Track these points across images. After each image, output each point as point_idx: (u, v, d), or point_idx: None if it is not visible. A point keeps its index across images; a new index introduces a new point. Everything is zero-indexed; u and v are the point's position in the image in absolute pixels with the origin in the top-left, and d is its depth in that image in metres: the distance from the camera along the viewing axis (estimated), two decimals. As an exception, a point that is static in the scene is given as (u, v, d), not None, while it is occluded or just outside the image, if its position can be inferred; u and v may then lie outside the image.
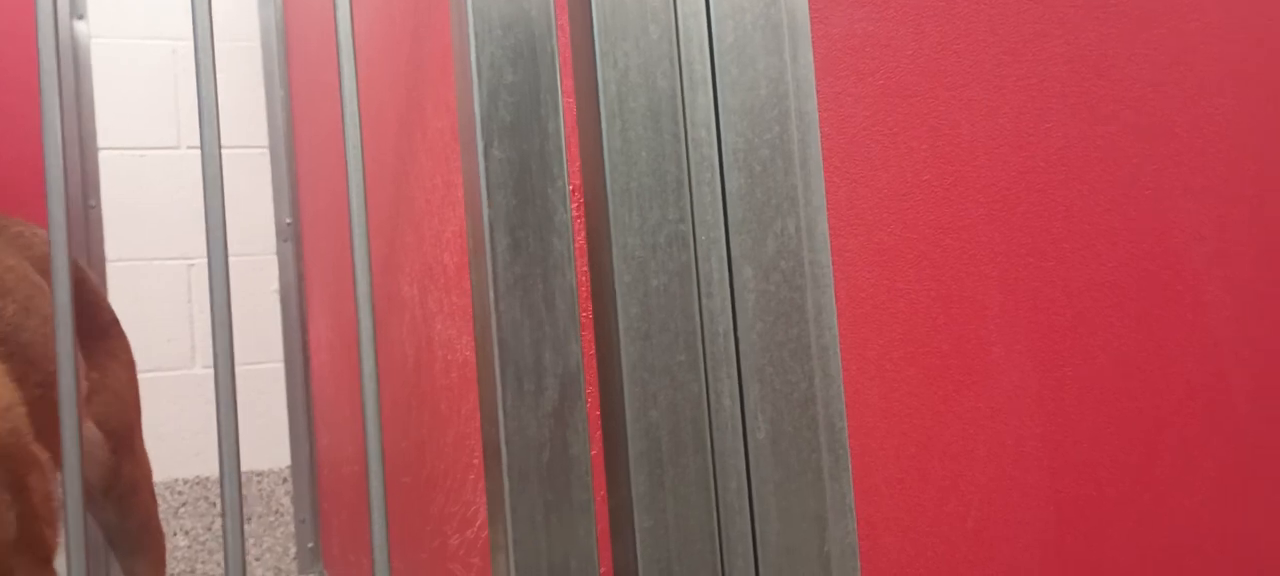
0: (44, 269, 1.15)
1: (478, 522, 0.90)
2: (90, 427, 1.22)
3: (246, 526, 2.32)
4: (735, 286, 0.45)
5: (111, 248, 2.14)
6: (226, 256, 0.44)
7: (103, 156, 2.28)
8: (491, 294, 0.44)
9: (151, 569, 1.40)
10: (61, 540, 0.90)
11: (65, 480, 0.40)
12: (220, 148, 0.41)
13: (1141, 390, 0.59)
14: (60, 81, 0.37)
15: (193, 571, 2.28)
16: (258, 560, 2.35)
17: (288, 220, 2.27)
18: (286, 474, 2.34)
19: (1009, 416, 0.55)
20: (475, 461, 0.90)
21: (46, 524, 0.86)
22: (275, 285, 2.28)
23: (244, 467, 2.29)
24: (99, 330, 1.30)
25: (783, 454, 0.46)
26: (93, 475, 1.25)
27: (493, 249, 0.44)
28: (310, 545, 2.33)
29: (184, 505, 2.24)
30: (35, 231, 1.26)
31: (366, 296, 0.43)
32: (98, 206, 2.24)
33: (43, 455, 0.90)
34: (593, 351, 0.46)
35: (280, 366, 2.29)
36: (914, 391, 0.52)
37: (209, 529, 2.27)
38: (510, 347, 0.44)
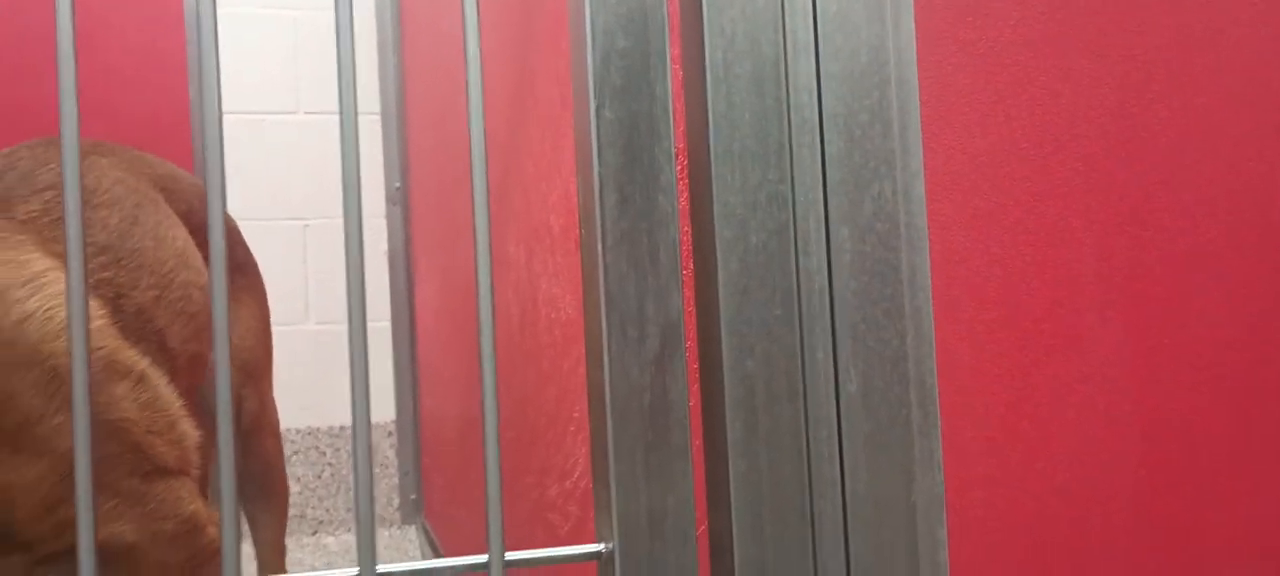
0: (163, 188, 1.21)
1: (576, 473, 0.94)
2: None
3: (352, 476, 2.42)
4: (832, 246, 0.47)
5: (231, 207, 2.26)
6: (361, 220, 0.48)
7: (224, 121, 2.39)
8: (599, 247, 0.47)
9: (274, 517, 1.45)
10: (185, 448, 0.94)
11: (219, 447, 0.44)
12: (356, 114, 0.45)
13: (1240, 361, 0.59)
14: (201, 50, 0.41)
15: (303, 515, 2.40)
16: (363, 509, 2.45)
17: (397, 184, 2.35)
18: (391, 427, 2.44)
19: (1101, 381, 0.55)
20: (576, 415, 0.94)
21: (154, 433, 0.89)
22: (384, 246, 2.37)
23: (350, 420, 2.39)
24: (234, 265, 1.35)
25: (873, 407, 0.48)
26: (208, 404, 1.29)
27: (602, 205, 0.47)
28: (413, 497, 2.42)
29: (295, 454, 2.35)
30: (158, 160, 1.31)
31: (486, 259, 0.46)
32: (221, 165, 2.35)
33: (140, 363, 0.93)
34: (693, 304, 0.49)
35: (387, 325, 2.39)
36: (1005, 353, 0.53)
37: (319, 476, 2.39)
38: (616, 298, 0.47)
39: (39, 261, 0.83)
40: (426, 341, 2.06)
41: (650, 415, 0.47)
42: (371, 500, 0.47)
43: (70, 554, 0.79)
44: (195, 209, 1.27)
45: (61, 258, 0.85)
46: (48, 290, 0.81)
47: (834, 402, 0.48)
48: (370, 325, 2.37)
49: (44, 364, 0.79)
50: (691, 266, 0.49)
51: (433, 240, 1.90)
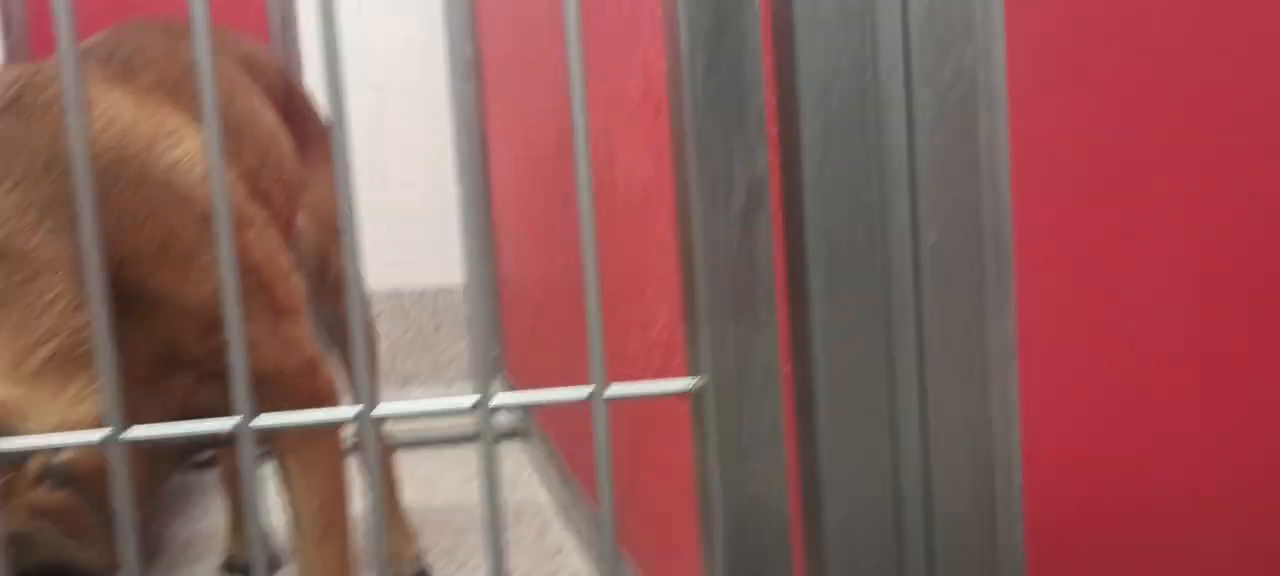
0: (246, 65, 1.27)
1: (656, 327, 0.99)
2: (301, 217, 1.36)
3: (436, 335, 2.53)
4: (912, 106, 0.50)
5: (309, 78, 2.31)
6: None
7: (305, -11, 2.41)
8: (690, 109, 0.50)
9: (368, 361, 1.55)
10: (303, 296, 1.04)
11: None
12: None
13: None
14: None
15: (391, 371, 2.53)
16: (450, 365, 2.58)
17: (468, 51, 2.37)
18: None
19: (1171, 234, 0.57)
20: (656, 274, 0.99)
21: (278, 277, 0.98)
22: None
23: (432, 283, 2.49)
24: (314, 136, 1.42)
25: (949, 259, 0.51)
26: (306, 262, 1.39)
27: (691, 69, 0.50)
28: (494, 354, 2.53)
29: (380, 314, 2.47)
30: (240, 36, 1.37)
31: (583, 127, 0.50)
32: (296, 39, 2.40)
33: (260, 215, 1.02)
34: (779, 163, 0.52)
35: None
36: (1080, 210, 0.55)
37: (403, 335, 2.50)
38: (705, 157, 0.50)
39: (174, 118, 0.91)
40: (502, 204, 2.12)
41: (737, 266, 0.51)
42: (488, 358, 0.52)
43: (221, 376, 0.88)
44: (273, 85, 1.33)
45: (188, 116, 0.93)
46: (187, 143, 0.89)
47: (911, 257, 0.51)
48: (445, 190, 2.43)
49: (195, 205, 0.88)
50: (776, 127, 0.53)
51: (508, 107, 1.93)
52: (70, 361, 0.79)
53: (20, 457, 0.74)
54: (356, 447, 1.61)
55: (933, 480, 0.54)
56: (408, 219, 2.43)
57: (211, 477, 1.92)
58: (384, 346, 2.50)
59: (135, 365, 0.85)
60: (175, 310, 0.88)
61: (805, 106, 0.50)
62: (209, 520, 1.88)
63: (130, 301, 0.86)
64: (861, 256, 0.51)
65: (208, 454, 1.69)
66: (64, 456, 0.77)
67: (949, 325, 0.52)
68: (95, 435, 0.48)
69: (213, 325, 0.88)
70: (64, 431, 0.78)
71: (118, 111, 0.89)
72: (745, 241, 0.51)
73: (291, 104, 1.39)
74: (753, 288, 0.51)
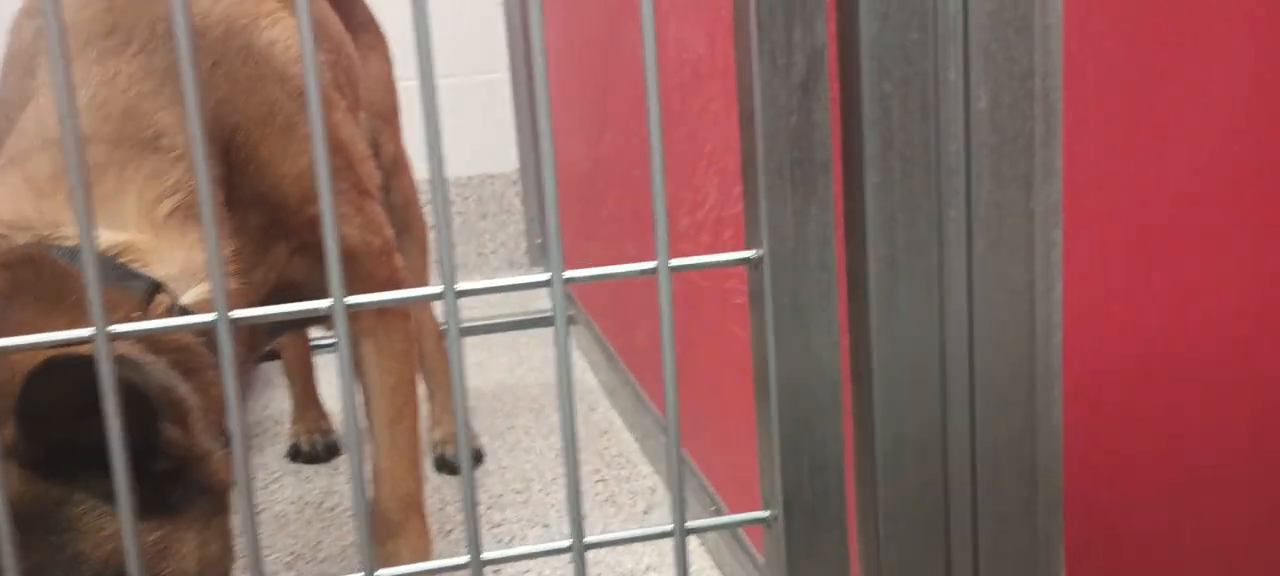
0: None
1: (708, 205, 1.01)
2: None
3: (482, 222, 2.57)
4: (967, -30, 0.51)
5: (352, -36, 2.29)
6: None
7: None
8: (749, -20, 0.51)
9: (417, 245, 1.62)
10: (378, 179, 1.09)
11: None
12: None
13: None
14: None
15: (439, 259, 2.57)
16: (494, 253, 2.62)
17: (508, -66, 2.34)
18: (515, 176, 2.56)
19: (1222, 92, 0.58)
20: (707, 149, 1.00)
21: (357, 159, 1.04)
22: (498, -1, 2.39)
23: (476, 171, 2.52)
24: (359, 25, 1.45)
25: (999, 122, 0.53)
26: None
27: (750, -60, 0.51)
28: (539, 241, 2.56)
29: (427, 203, 2.50)
30: None
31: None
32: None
33: (342, 100, 1.08)
34: (836, 31, 0.53)
35: (506, 76, 2.45)
36: (1130, 66, 0.56)
37: (448, 223, 2.54)
38: (766, 27, 0.52)
39: (270, 1, 0.95)
40: (550, 89, 2.12)
41: (795, 135, 0.53)
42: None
43: (314, 248, 0.94)
44: None
45: (281, 1, 0.98)
46: (283, 23, 0.94)
47: (963, 120, 0.53)
48: (490, 77, 2.44)
49: (293, 81, 0.93)
50: (833, -3, 0.54)
51: (549, -11, 1.92)
52: (194, 212, 0.86)
53: (148, 296, 0.80)
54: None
55: (976, 341, 0.57)
56: (450, 106, 2.45)
57: (274, 369, 2.00)
58: (430, 235, 2.55)
59: (248, 227, 0.92)
60: (279, 177, 0.94)
61: (862, -26, 0.51)
62: (274, 407, 1.96)
63: (243, 165, 0.92)
64: (913, 122, 0.53)
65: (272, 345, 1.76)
66: (189, 297, 0.83)
67: (997, 188, 0.54)
68: (206, 317, 0.52)
69: (310, 196, 0.94)
70: (188, 273, 0.83)
71: None
72: (804, 112, 0.52)
73: (339, -6, 1.41)
74: (810, 158, 0.53)
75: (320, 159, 0.53)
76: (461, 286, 0.57)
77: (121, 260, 0.81)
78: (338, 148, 1.00)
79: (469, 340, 2.18)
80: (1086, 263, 0.60)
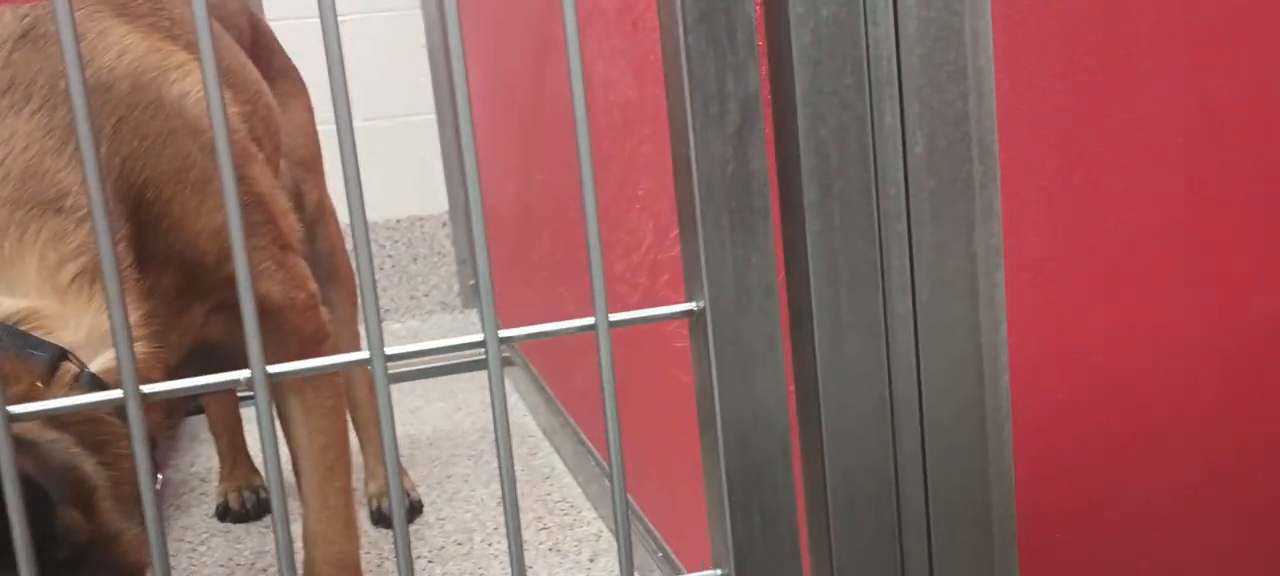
0: (219, 15, 1.27)
1: (643, 248, 1.00)
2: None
3: (413, 265, 2.53)
4: (899, 13, 0.50)
5: (270, 7, 2.25)
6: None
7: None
8: (680, 28, 0.50)
9: (345, 293, 1.58)
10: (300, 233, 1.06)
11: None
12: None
13: (1288, 105, 0.62)
14: None
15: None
16: (426, 296, 2.58)
17: (433, -26, 2.32)
18: (445, 218, 2.52)
19: (1153, 126, 0.58)
20: (640, 193, 0.99)
21: (278, 213, 1.00)
22: (422, 40, 2.37)
23: (405, 214, 2.48)
24: (278, 72, 1.42)
25: (937, 165, 0.52)
26: None
27: (679, -14, 0.50)
28: (472, 282, 2.52)
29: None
30: None
31: (575, 36, 0.49)
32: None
33: (259, 152, 1.04)
34: (769, 77, 0.52)
35: (433, 118, 2.42)
36: (1062, 105, 0.56)
37: (379, 268, 2.49)
38: (697, 75, 0.50)
39: (179, 53, 0.92)
40: (476, 130, 2.10)
41: (732, 183, 0.52)
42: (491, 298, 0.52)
43: (233, 308, 0.90)
44: (242, 29, 1.32)
45: (190, 54, 0.94)
46: (194, 76, 0.91)
47: (901, 164, 0.52)
48: (412, 119, 2.40)
49: (206, 133, 0.89)
50: (765, 42, 0.53)
51: (478, 26, 1.90)
52: (101, 275, 0.81)
53: (52, 365, 0.75)
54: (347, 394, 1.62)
55: (925, 384, 0.56)
56: (377, 149, 2.41)
57: (200, 423, 1.92)
58: (358, 280, 2.49)
59: (161, 288, 0.88)
60: (194, 234, 0.90)
61: (794, 19, 0.50)
62: (200, 464, 1.89)
63: (155, 223, 0.88)
64: (852, 168, 0.52)
65: (196, 400, 1.69)
66: (98, 365, 0.78)
67: (938, 232, 0.53)
68: (114, 394, 0.49)
69: (228, 252, 0.90)
70: (96, 339, 0.79)
71: (130, 42, 0.91)
72: (740, 160, 0.51)
73: (258, 43, 1.37)
74: (748, 206, 0.52)
75: (233, 214, 0.50)
76: (391, 350, 0.55)
77: (23, 327, 0.77)
78: (256, 201, 0.97)
79: (404, 386, 2.13)
80: (1029, 302, 0.59)
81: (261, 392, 0.51)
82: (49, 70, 0.85)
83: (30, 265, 0.79)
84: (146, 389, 0.50)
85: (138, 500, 0.76)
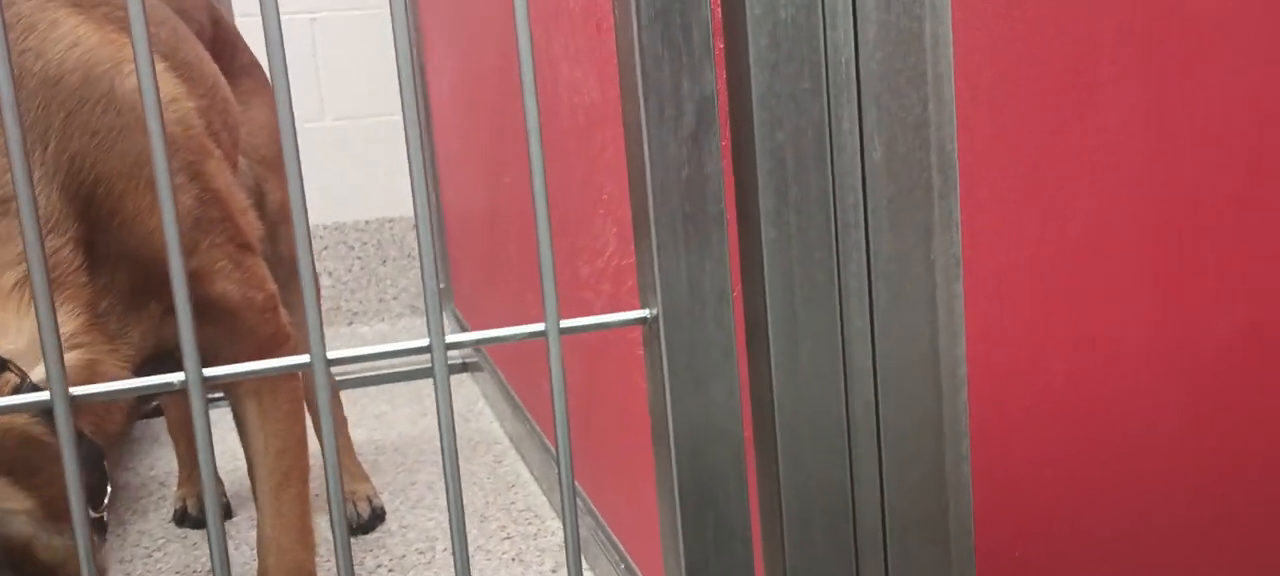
0: (177, 8, 1.24)
1: (607, 253, 0.98)
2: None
3: (382, 267, 2.50)
4: (858, 17, 0.49)
5: (239, 3, 2.22)
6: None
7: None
8: (635, 28, 0.49)
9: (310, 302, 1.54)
10: (259, 231, 1.03)
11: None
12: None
13: (1249, 119, 0.61)
14: None
15: (337, 308, 2.49)
16: (395, 299, 2.55)
17: (403, -26, 2.30)
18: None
19: (1116, 144, 0.58)
20: (604, 196, 0.97)
21: (236, 211, 0.98)
22: (392, 37, 2.34)
23: (375, 215, 2.45)
24: (241, 69, 1.39)
25: (896, 172, 0.51)
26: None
27: (634, -15, 0.48)
28: (442, 285, 2.50)
29: (325, 249, 2.42)
30: None
31: (527, 46, 0.48)
32: (221, -36, 2.31)
33: (217, 150, 1.01)
34: (725, 80, 0.51)
35: (401, 120, 2.39)
36: (1024, 118, 0.55)
37: (349, 270, 2.47)
38: (652, 77, 0.49)
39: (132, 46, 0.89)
40: (444, 134, 2.08)
41: (687, 188, 0.50)
42: (437, 298, 0.51)
43: (195, 307, 0.88)
44: (202, 24, 1.29)
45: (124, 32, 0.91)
46: None
47: (859, 171, 0.51)
48: (382, 119, 2.38)
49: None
50: (722, 44, 0.51)
51: (447, 32, 1.88)
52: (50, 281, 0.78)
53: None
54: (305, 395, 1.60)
55: (882, 397, 0.54)
56: (347, 150, 2.38)
57: (160, 425, 1.89)
58: (328, 282, 2.47)
59: (115, 287, 0.85)
60: (148, 231, 0.87)
61: (752, 21, 0.49)
62: (159, 467, 1.85)
63: (107, 220, 0.85)
64: (809, 174, 0.51)
65: (154, 402, 1.66)
66: (39, 374, 0.75)
67: (896, 241, 0.52)
68: (42, 395, 0.47)
69: (184, 250, 0.88)
70: (36, 347, 0.76)
71: (82, 34, 0.88)
72: (695, 164, 0.50)
73: (218, 38, 1.35)
74: (703, 211, 0.51)
75: (167, 207, 0.49)
76: (334, 354, 0.53)
77: None
78: (213, 199, 0.94)
79: (369, 391, 2.10)
80: (988, 314, 0.59)
81: (196, 396, 0.50)
82: None
83: None
84: (77, 391, 0.48)
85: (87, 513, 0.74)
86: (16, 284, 0.78)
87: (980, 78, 0.55)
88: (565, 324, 0.52)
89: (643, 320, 0.53)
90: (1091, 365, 0.61)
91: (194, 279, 0.70)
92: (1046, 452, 0.62)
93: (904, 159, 0.51)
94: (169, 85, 0.97)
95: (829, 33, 0.49)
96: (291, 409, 1.06)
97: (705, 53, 0.49)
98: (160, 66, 0.95)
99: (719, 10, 0.50)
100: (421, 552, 1.50)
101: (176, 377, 0.50)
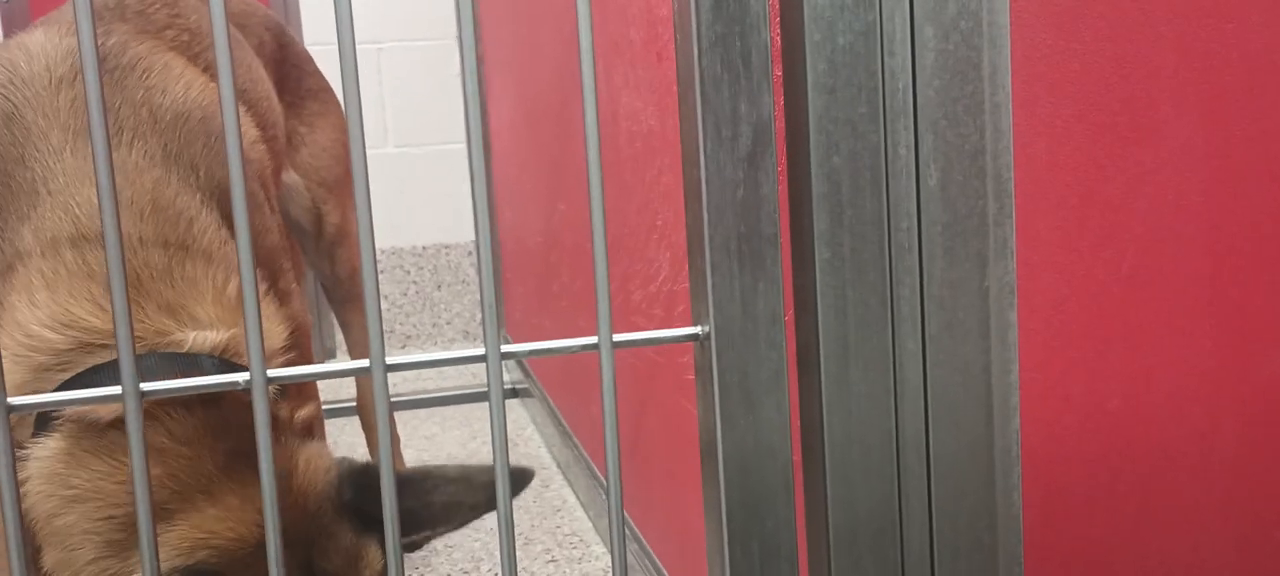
0: (238, 24, 1.29)
1: (660, 278, 0.99)
2: (292, 175, 1.38)
3: (437, 293, 2.54)
4: (916, 45, 0.50)
5: (309, 32, 2.29)
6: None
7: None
8: (695, 50, 0.50)
9: (364, 317, 1.57)
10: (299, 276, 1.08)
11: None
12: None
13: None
14: None
15: (392, 331, 2.53)
16: (448, 324, 2.58)
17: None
18: (471, 248, 2.53)
19: (1172, 172, 0.57)
20: (658, 222, 0.99)
21: (282, 251, 1.02)
22: (455, 67, 2.39)
23: (432, 241, 2.49)
24: (307, 92, 1.43)
25: (951, 199, 0.51)
26: (301, 218, 1.42)
27: (697, 11, 0.50)
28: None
29: (381, 273, 2.47)
30: None
31: (590, 67, 0.49)
32: (294, -5, 2.38)
33: (262, 195, 1.06)
34: (783, 103, 0.52)
35: (462, 148, 2.44)
36: (1080, 146, 0.55)
37: (404, 294, 2.51)
38: (711, 99, 0.50)
39: (212, 85, 0.94)
40: (502, 161, 2.11)
41: (742, 208, 0.51)
42: (497, 328, 0.52)
43: None
44: (265, 42, 1.33)
45: (209, 73, 0.96)
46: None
47: (914, 196, 0.52)
48: (443, 147, 2.43)
49: (253, 165, 0.93)
50: (781, 69, 0.52)
51: (507, 60, 1.92)
52: (268, 287, 0.84)
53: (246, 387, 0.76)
54: (360, 407, 1.62)
55: (932, 423, 0.54)
56: (407, 176, 2.43)
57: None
58: (383, 305, 2.51)
59: None
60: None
61: (810, 46, 0.50)
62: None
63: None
64: (864, 198, 0.51)
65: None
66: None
67: (950, 267, 0.52)
68: (110, 391, 0.49)
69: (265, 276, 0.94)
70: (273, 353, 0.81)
71: (191, 77, 0.94)
72: (751, 185, 0.51)
73: (286, 60, 1.39)
74: (758, 232, 0.51)
75: (242, 231, 0.51)
76: (391, 359, 0.54)
77: (227, 357, 0.77)
78: (282, 230, 0.99)
79: (421, 413, 2.13)
80: (1042, 343, 0.58)
81: (259, 396, 0.51)
82: (127, 99, 0.87)
83: (205, 294, 0.80)
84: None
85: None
86: (238, 291, 0.82)
87: (1038, 107, 0.55)
88: (618, 337, 0.53)
89: (695, 337, 0.54)
90: (1147, 395, 0.60)
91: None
92: (1099, 484, 0.62)
93: (960, 186, 0.51)
94: (249, 128, 1.04)
95: (887, 60, 0.50)
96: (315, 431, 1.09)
97: (764, 77, 0.50)
98: (242, 112, 1.01)
99: (778, 36, 0.51)
100: (466, 572, 1.51)
101: (242, 377, 0.52)
